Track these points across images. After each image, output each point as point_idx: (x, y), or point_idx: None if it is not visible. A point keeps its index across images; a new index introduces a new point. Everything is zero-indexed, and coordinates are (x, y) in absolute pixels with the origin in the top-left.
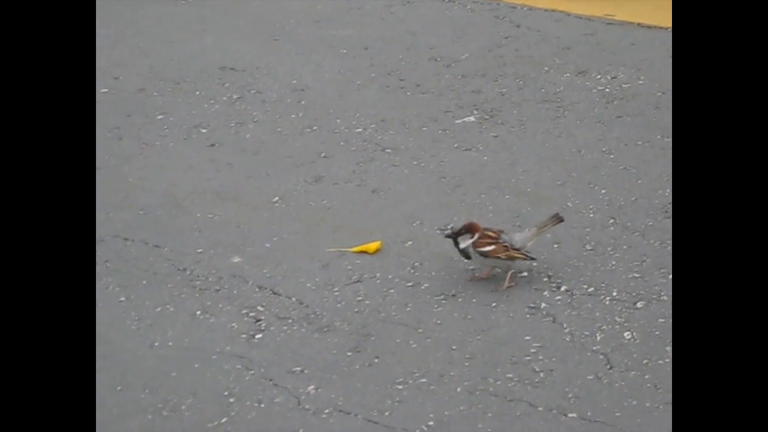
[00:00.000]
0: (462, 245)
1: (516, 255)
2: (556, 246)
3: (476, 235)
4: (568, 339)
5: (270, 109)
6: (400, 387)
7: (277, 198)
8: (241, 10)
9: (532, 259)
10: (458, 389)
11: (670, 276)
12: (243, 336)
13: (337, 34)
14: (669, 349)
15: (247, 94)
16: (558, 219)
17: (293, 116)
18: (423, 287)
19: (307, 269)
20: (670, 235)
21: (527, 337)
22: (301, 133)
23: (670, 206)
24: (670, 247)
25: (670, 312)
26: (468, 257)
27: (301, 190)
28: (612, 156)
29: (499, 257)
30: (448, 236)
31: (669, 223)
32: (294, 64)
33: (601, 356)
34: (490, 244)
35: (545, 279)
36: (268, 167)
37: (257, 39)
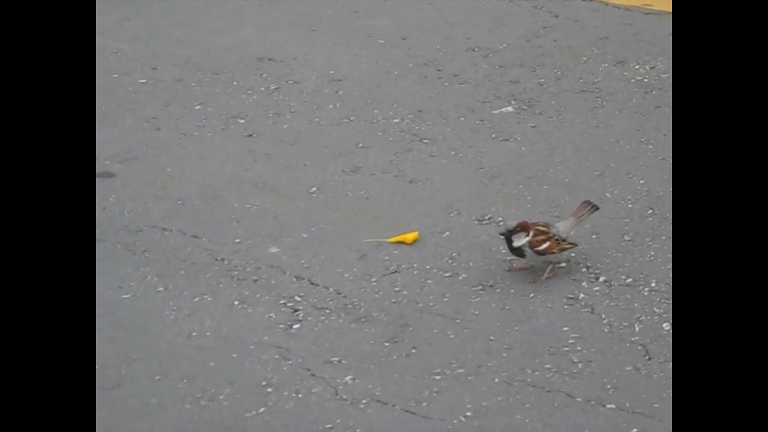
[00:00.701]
0: (517, 244)
1: (567, 246)
2: (594, 237)
3: (531, 233)
4: (606, 330)
5: (307, 99)
6: (437, 377)
7: (314, 188)
8: (278, 1)
9: (576, 245)
10: (496, 380)
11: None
12: (281, 326)
13: (375, 24)
14: None
15: (285, 84)
16: (593, 207)
17: (330, 107)
18: (460, 278)
19: (345, 259)
20: None
21: (565, 328)
22: (338, 124)
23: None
24: None
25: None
26: (522, 255)
27: (338, 181)
28: (650, 146)
29: (554, 253)
30: (501, 234)
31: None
32: (331, 54)
33: (639, 347)
34: (544, 241)
35: (583, 270)
36: (306, 157)
37: (295, 29)
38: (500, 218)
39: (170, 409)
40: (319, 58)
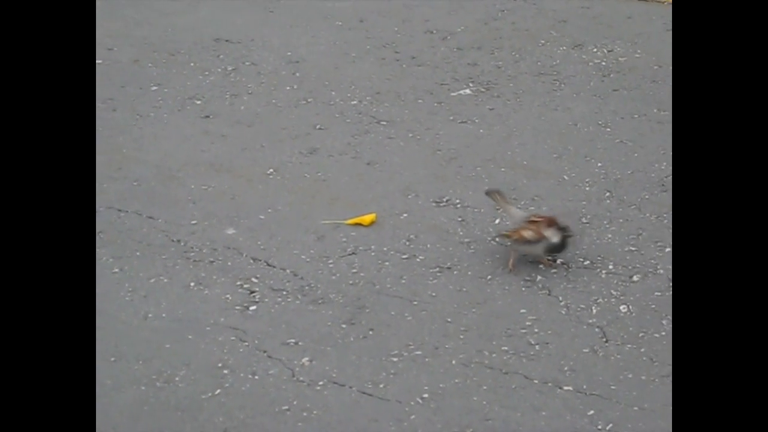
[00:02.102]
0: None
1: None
2: None
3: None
4: (563, 312)
5: (265, 81)
6: (394, 359)
7: (271, 170)
8: None
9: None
10: (453, 362)
11: (667, 249)
12: (237, 308)
13: (332, 6)
14: (665, 322)
15: (242, 66)
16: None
17: (288, 88)
18: (418, 259)
19: (302, 241)
20: (666, 209)
21: (523, 310)
22: (296, 105)
23: (667, 179)
24: (666, 221)
25: (667, 285)
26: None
27: (296, 162)
28: (608, 129)
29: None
30: (568, 236)
31: (665, 196)
32: (289, 36)
33: (596, 329)
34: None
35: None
36: (263, 139)
37: (252, 11)
38: (457, 200)
39: (126, 390)
40: (277, 40)
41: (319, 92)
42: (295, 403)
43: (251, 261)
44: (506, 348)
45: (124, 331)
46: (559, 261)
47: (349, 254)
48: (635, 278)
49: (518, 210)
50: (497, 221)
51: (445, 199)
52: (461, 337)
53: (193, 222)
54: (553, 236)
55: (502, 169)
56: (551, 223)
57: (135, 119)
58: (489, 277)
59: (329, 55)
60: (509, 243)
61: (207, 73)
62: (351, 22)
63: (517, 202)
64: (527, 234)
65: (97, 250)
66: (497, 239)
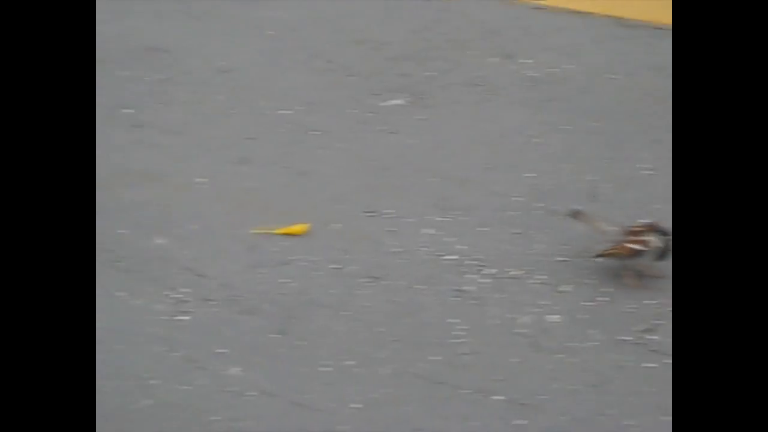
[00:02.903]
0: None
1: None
2: (482, 229)
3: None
4: (494, 322)
5: (196, 90)
6: (325, 369)
7: (202, 179)
8: None
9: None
10: (384, 372)
11: (596, 260)
12: (166, 318)
13: (265, 15)
14: (594, 332)
15: (173, 75)
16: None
17: (219, 97)
18: (349, 270)
19: (232, 251)
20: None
21: (453, 320)
22: (227, 115)
23: (597, 190)
24: (591, 231)
25: (596, 295)
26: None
27: (226, 172)
28: (538, 140)
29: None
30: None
31: (594, 207)
32: (221, 45)
33: (526, 339)
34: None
35: (471, 262)
36: (194, 148)
37: (183, 20)
38: (388, 211)
39: None
40: (208, 49)
41: (250, 102)
42: (225, 413)
43: (181, 271)
44: (437, 358)
45: None
46: (489, 271)
47: (280, 264)
48: (565, 288)
49: (609, 226)
50: (428, 231)
51: (376, 210)
52: (392, 347)
53: (123, 231)
54: (659, 241)
55: (433, 180)
56: (652, 228)
57: None
58: (420, 287)
59: (261, 64)
60: (615, 261)
61: (138, 82)
62: (283, 31)
63: (446, 213)
64: (635, 246)
65: None
66: (597, 260)
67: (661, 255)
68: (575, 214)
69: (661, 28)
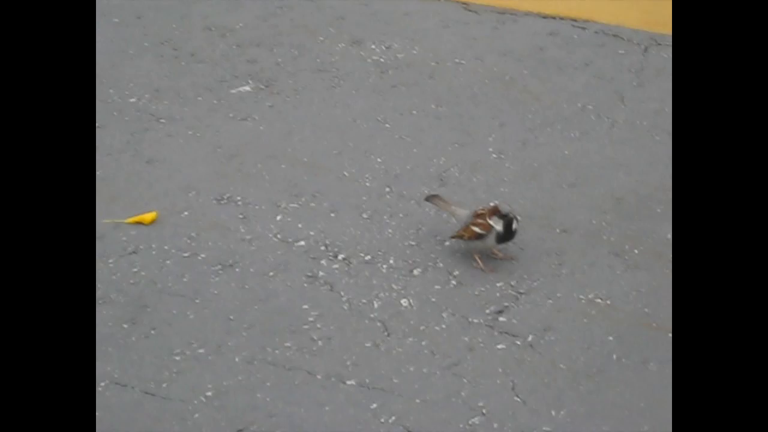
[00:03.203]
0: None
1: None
2: (332, 215)
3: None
4: (345, 307)
5: None
6: (177, 358)
7: None
8: None
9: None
10: (236, 359)
11: (446, 243)
12: None
13: (109, 3)
14: (445, 315)
15: None
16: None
17: None
18: (200, 257)
19: None
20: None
21: (305, 306)
22: None
23: (445, 174)
24: (445, 215)
25: (446, 278)
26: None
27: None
28: (387, 125)
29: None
30: (506, 217)
31: (443, 191)
32: None
33: (378, 323)
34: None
35: (322, 248)
36: None
37: None
38: (239, 197)
39: None
40: None
41: (96, 90)
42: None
43: None
44: (289, 344)
45: None
46: (340, 256)
47: (130, 253)
48: (416, 272)
49: (463, 210)
50: (279, 218)
51: (226, 197)
52: (244, 334)
53: None
54: (497, 224)
55: (283, 166)
56: (494, 211)
57: None
58: (271, 273)
59: (106, 52)
60: (463, 244)
61: None
62: (128, 18)
63: (296, 199)
64: (477, 229)
65: None
66: (448, 243)
67: (501, 237)
68: (430, 198)
69: (506, 13)
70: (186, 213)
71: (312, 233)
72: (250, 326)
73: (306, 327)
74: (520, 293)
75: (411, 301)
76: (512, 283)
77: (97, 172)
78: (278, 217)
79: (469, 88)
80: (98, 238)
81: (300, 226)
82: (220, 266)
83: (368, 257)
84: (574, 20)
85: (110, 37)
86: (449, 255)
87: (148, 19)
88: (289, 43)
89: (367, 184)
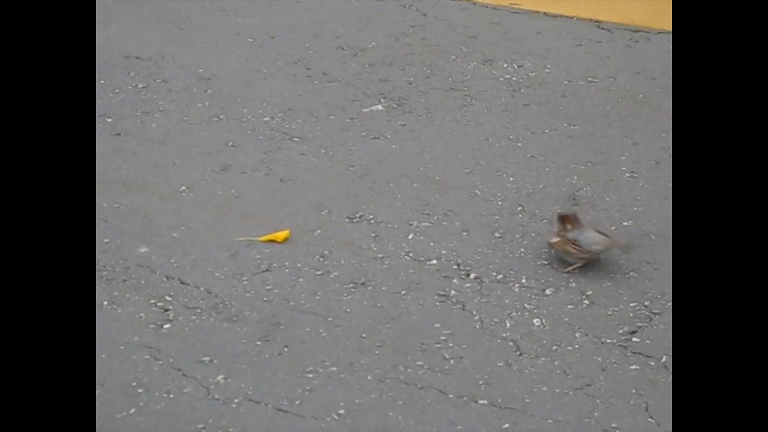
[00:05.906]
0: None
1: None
2: (465, 234)
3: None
4: (477, 326)
5: (176, 98)
6: (310, 376)
7: (184, 187)
8: None
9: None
10: (368, 377)
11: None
12: (151, 326)
13: (243, 22)
14: (577, 335)
15: (153, 83)
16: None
17: (200, 105)
18: (332, 276)
19: (216, 258)
20: None
21: (437, 325)
22: (207, 122)
23: (578, 193)
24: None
25: (579, 298)
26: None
27: (208, 179)
28: (519, 144)
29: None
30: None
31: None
32: (200, 52)
33: (510, 343)
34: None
35: (454, 267)
36: (175, 156)
37: (162, 28)
38: (371, 216)
39: None
40: (188, 57)
41: (230, 109)
42: (210, 421)
43: (164, 279)
44: (421, 363)
45: None
46: (472, 275)
47: (263, 271)
48: (548, 291)
49: (597, 234)
50: (410, 236)
51: (358, 215)
52: (376, 352)
53: (106, 240)
54: (580, 234)
55: (415, 185)
56: (573, 222)
57: None
58: (403, 292)
59: (241, 71)
60: (560, 253)
61: (117, 90)
62: (262, 38)
63: (428, 217)
64: (558, 238)
65: None
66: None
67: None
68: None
69: (639, 31)
70: (318, 231)
71: (444, 252)
72: (382, 344)
73: (438, 346)
74: (654, 313)
75: (543, 320)
76: (646, 303)
77: (231, 191)
78: (410, 236)
79: (602, 107)
80: (232, 256)
81: (432, 244)
82: (352, 284)
83: (500, 276)
84: None
85: (244, 57)
86: (582, 274)
87: (282, 39)
88: (420, 62)
89: (499, 203)
